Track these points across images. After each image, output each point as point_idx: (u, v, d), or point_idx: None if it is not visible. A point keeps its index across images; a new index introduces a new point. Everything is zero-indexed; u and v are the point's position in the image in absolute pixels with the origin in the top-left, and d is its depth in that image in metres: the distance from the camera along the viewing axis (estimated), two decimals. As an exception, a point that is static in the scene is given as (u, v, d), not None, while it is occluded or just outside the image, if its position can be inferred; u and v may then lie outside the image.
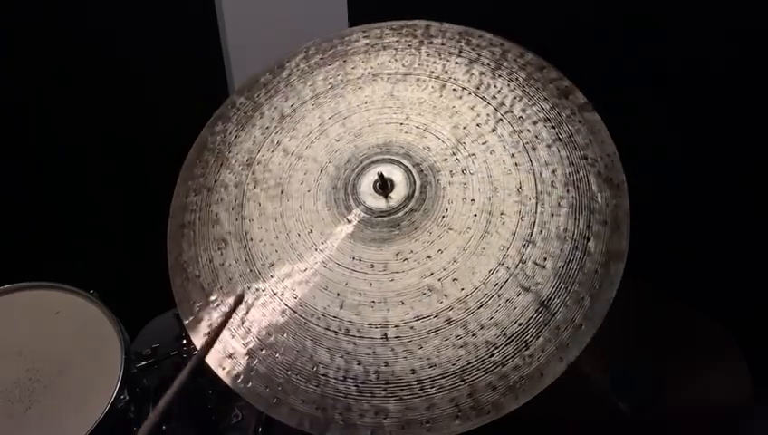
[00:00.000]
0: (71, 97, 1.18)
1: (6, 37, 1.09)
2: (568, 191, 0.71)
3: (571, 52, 0.86)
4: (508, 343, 0.65)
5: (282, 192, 0.79)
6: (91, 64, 1.15)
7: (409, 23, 0.87)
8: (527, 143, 0.75)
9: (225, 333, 0.71)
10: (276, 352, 0.69)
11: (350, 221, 0.75)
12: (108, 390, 0.84)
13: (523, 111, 0.77)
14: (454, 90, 0.80)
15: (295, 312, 0.71)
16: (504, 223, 0.71)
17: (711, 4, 1.04)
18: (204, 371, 0.69)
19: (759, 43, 1.04)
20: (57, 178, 1.26)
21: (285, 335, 0.69)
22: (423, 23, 0.86)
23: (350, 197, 0.77)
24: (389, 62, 0.85)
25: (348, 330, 0.68)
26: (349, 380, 0.66)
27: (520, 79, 0.79)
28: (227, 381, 0.68)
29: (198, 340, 0.71)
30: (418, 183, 0.76)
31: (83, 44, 1.12)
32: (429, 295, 0.69)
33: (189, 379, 0.62)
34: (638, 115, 1.14)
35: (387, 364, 0.66)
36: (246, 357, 0.69)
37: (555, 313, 0.65)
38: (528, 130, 0.75)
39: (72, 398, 0.86)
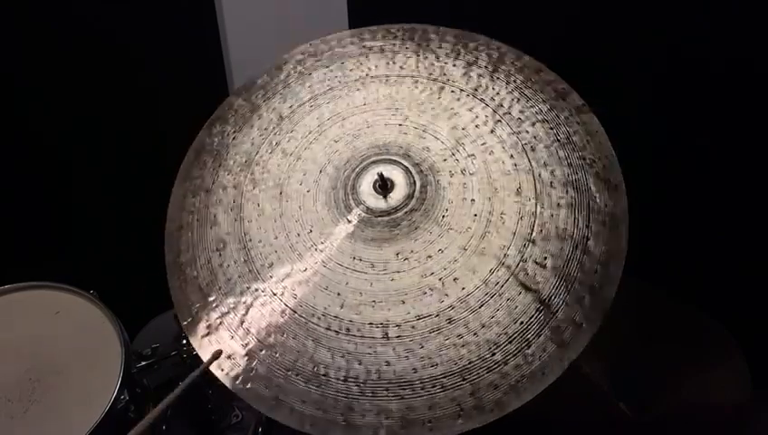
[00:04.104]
0: (70, 96, 1.17)
1: (6, 37, 1.09)
2: (567, 192, 0.71)
3: (567, 54, 0.86)
4: (509, 342, 0.65)
5: (281, 193, 0.79)
6: (91, 64, 1.15)
7: (407, 26, 0.87)
8: (526, 144, 0.75)
9: (224, 334, 0.71)
10: (276, 353, 0.68)
11: (350, 221, 0.75)
12: (108, 390, 0.84)
13: (522, 112, 0.77)
14: (452, 92, 0.81)
15: (295, 312, 0.70)
16: (504, 223, 0.71)
17: (709, 4, 1.04)
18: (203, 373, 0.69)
19: (759, 43, 1.04)
20: (57, 179, 1.26)
21: (285, 336, 0.69)
22: (421, 27, 0.87)
23: (350, 197, 0.77)
24: (387, 64, 0.85)
25: (348, 329, 0.68)
26: (350, 380, 0.66)
27: (517, 81, 0.80)
28: (226, 382, 0.68)
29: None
30: (418, 183, 0.76)
31: (82, 44, 1.12)
32: (430, 295, 0.69)
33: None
34: (637, 115, 1.15)
35: (388, 364, 0.66)
36: (246, 358, 0.69)
37: (556, 311, 0.66)
38: (526, 132, 0.76)
39: (72, 398, 0.85)
